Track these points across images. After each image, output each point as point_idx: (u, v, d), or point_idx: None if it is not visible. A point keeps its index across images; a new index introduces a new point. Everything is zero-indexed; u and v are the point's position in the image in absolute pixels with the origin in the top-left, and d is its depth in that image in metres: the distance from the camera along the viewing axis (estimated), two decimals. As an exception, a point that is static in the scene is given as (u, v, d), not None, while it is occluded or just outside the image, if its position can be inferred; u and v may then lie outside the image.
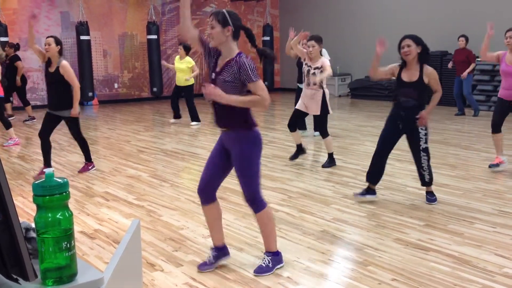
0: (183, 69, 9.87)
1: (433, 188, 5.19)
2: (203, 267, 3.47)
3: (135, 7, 14.55)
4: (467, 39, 10.62)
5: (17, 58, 10.90)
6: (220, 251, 3.51)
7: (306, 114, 6.60)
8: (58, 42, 5.87)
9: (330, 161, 6.42)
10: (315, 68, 6.28)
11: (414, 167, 6.01)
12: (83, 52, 12.76)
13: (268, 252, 3.43)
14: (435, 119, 10.23)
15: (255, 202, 3.33)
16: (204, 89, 3.13)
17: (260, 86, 3.18)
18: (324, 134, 6.42)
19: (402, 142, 4.94)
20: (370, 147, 7.49)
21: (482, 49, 5.94)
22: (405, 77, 4.68)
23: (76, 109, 5.95)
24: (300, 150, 6.70)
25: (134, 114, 12.07)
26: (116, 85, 14.58)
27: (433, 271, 3.38)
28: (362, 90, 14.24)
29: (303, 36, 6.47)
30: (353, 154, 7.08)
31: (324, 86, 6.33)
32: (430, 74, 4.61)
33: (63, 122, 6.16)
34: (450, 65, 10.96)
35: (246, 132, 3.27)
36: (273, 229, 3.44)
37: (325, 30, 15.14)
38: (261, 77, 3.31)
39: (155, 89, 13.64)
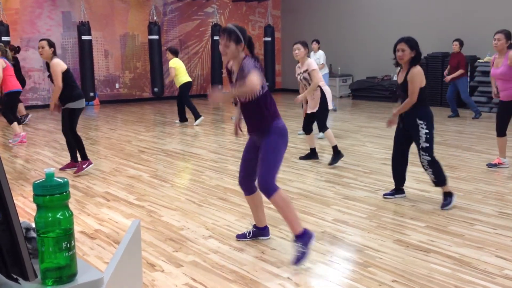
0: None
1: (434, 189, 5.18)
2: (240, 237, 4.00)
3: (136, 8, 14.56)
4: (461, 43, 10.52)
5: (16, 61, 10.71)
6: (260, 230, 3.98)
7: (315, 115, 6.70)
8: (51, 44, 6.03)
9: (336, 155, 6.47)
10: (302, 72, 6.44)
11: (415, 168, 6.02)
12: (85, 52, 12.76)
13: (296, 237, 3.55)
14: (436, 121, 10.21)
15: (270, 186, 3.53)
16: (209, 97, 3.49)
17: (252, 77, 3.37)
18: (323, 128, 6.52)
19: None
20: (371, 148, 7.50)
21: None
22: (398, 79, 4.85)
23: (51, 106, 6.25)
24: (313, 154, 6.82)
25: (135, 114, 12.08)
26: (117, 85, 14.59)
27: (433, 272, 3.37)
28: (363, 91, 14.24)
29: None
30: (354, 155, 7.07)
31: (321, 84, 6.46)
32: (410, 77, 4.63)
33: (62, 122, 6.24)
34: (446, 71, 10.87)
35: (271, 126, 3.58)
36: (292, 210, 3.58)
37: (327, 31, 15.17)
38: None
39: (156, 90, 13.64)
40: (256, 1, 16.25)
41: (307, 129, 6.74)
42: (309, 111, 6.60)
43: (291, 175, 6.08)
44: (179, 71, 10.00)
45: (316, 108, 6.48)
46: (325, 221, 4.45)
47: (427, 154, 4.71)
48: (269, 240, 4.01)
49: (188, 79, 10.20)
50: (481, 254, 3.67)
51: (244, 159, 3.81)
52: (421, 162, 4.77)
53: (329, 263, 3.59)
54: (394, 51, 4.72)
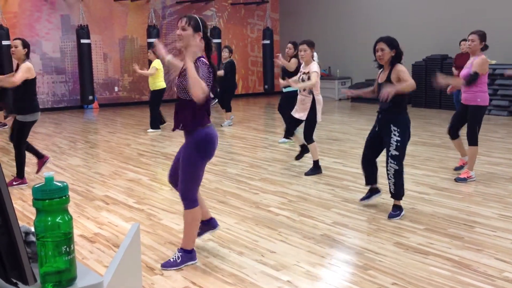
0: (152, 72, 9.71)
1: (434, 191, 5.19)
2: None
3: (135, 11, 14.58)
4: None
5: None
6: (205, 224, 3.87)
7: (301, 120, 6.34)
8: (25, 44, 5.66)
9: (314, 169, 6.25)
10: (303, 73, 6.23)
11: (414, 171, 6.03)
12: (84, 56, 12.76)
13: (181, 249, 3.62)
14: (435, 123, 10.24)
15: (187, 199, 3.53)
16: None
17: (203, 84, 3.31)
18: (309, 140, 6.23)
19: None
20: (370, 150, 7.49)
21: (454, 86, 5.87)
22: (380, 79, 4.70)
23: None
24: (304, 150, 6.53)
25: (135, 118, 12.08)
26: (116, 89, 14.59)
27: (433, 275, 3.37)
28: (362, 94, 14.24)
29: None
30: (354, 157, 7.07)
31: (316, 93, 6.14)
32: (397, 71, 4.48)
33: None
34: (455, 72, 10.71)
35: (192, 132, 3.47)
36: (195, 230, 3.64)
37: (325, 34, 15.19)
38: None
39: (155, 93, 13.61)
40: (254, 4, 16.28)
41: (290, 132, 6.46)
42: (296, 115, 6.29)
43: (290, 178, 6.07)
44: (158, 74, 9.72)
45: (304, 116, 6.17)
46: (324, 224, 4.45)
47: (395, 162, 4.49)
48: (269, 243, 4.00)
49: (164, 85, 9.92)
50: (481, 256, 3.67)
51: (176, 157, 3.74)
52: (387, 170, 4.56)
53: (328, 266, 3.58)
54: (374, 52, 4.62)
